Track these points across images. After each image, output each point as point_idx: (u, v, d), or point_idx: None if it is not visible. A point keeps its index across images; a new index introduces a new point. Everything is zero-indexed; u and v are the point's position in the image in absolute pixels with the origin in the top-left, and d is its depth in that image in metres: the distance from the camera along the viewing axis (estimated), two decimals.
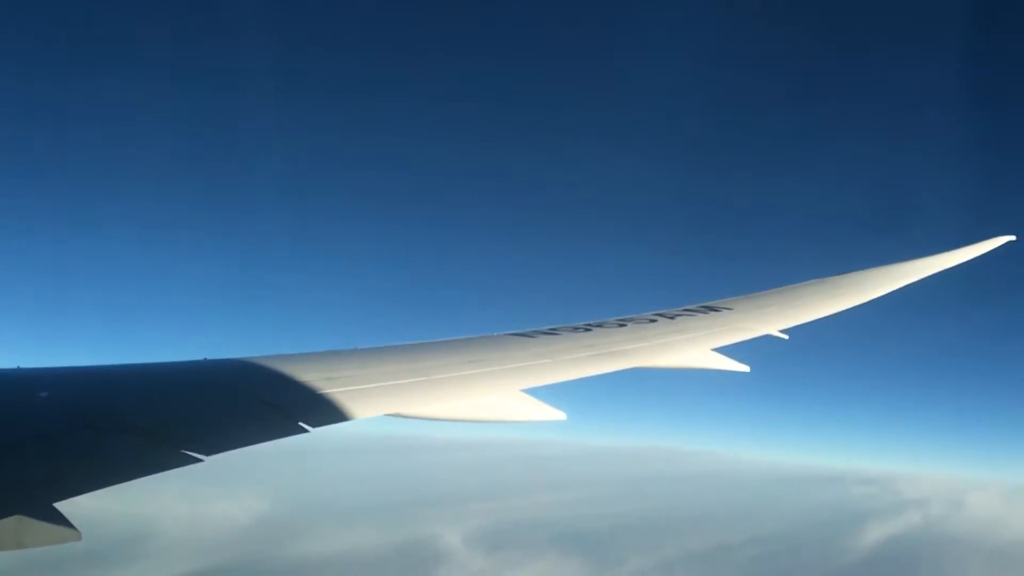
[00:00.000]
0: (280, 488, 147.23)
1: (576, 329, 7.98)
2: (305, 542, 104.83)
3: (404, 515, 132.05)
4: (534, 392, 6.30)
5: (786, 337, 8.45)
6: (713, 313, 8.92)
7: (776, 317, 8.76)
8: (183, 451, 4.10)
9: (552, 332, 7.79)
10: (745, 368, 7.77)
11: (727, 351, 7.85)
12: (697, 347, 7.75)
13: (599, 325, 8.18)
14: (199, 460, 4.11)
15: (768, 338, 8.33)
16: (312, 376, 5.50)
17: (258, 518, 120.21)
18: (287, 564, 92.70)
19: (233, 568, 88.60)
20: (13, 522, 3.46)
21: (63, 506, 3.62)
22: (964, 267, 10.32)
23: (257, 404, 5.08)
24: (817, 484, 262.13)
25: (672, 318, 8.64)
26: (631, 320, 8.49)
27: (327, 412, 5.05)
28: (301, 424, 4.78)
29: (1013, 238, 10.98)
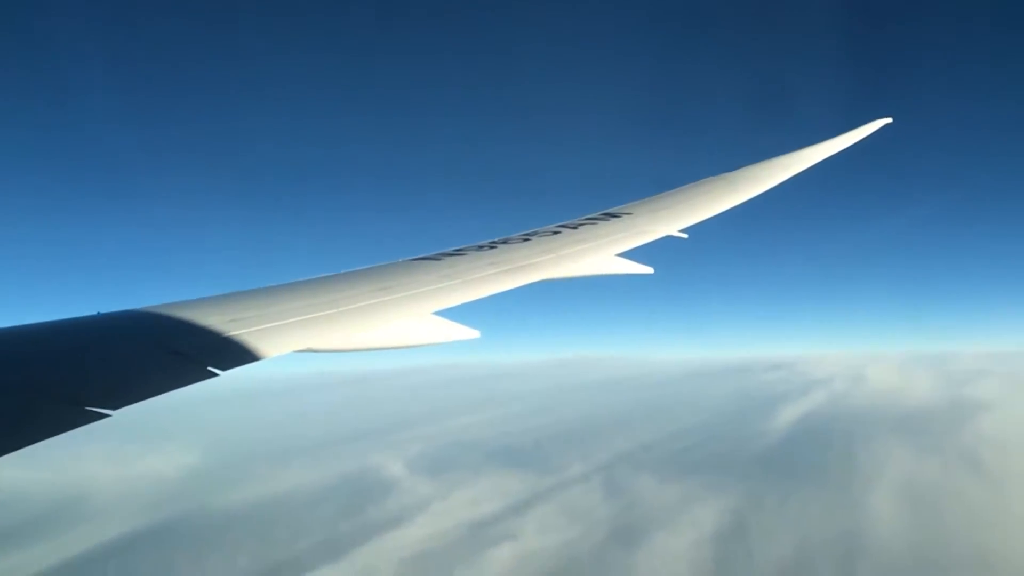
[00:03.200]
0: (206, 438, 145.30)
1: (481, 248, 8.01)
2: (245, 488, 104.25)
3: (339, 450, 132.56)
4: (446, 313, 6.33)
5: (685, 236, 8.65)
6: (614, 219, 9.06)
7: (675, 217, 8.95)
8: (88, 408, 3.97)
9: (458, 253, 7.80)
10: (649, 270, 7.93)
11: (630, 255, 7.98)
12: (601, 254, 7.85)
13: (504, 242, 8.22)
14: (106, 416, 4.00)
15: (669, 239, 8.50)
16: (215, 320, 5.37)
17: (190, 470, 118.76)
18: (232, 511, 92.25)
19: (177, 522, 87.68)
20: None
21: None
22: (847, 152, 10.76)
23: (160, 353, 4.92)
24: (729, 375, 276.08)
25: (575, 228, 8.75)
26: (535, 234, 8.56)
27: (235, 354, 4.92)
28: (209, 369, 4.64)
29: (890, 120, 11.46)
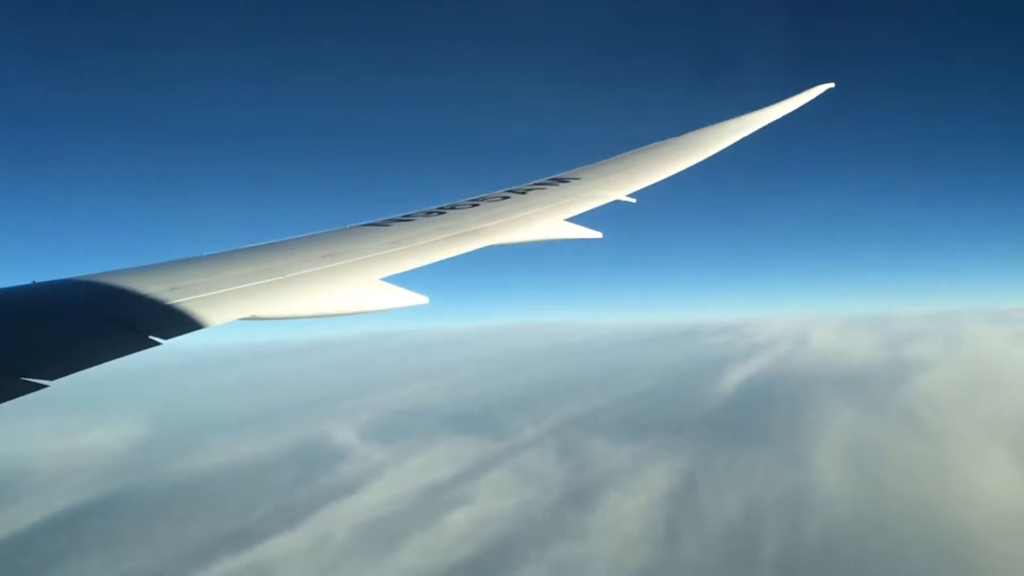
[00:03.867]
0: (152, 409, 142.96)
1: (429, 213, 7.96)
2: (195, 459, 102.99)
3: (289, 419, 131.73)
4: (394, 280, 6.29)
5: (633, 201, 8.70)
6: (563, 184, 9.07)
7: (623, 182, 8.98)
8: (24, 378, 3.87)
9: (406, 219, 7.75)
10: (597, 235, 7.95)
11: (579, 220, 7.99)
12: (550, 219, 7.84)
13: (452, 207, 8.18)
14: (43, 386, 3.90)
15: (617, 203, 8.53)
16: (157, 288, 5.24)
17: (137, 442, 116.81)
18: (182, 482, 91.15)
19: (126, 494, 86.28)
20: None
21: None
22: (792, 117, 10.92)
23: (99, 322, 4.79)
24: (677, 339, 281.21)
25: (523, 193, 8.74)
26: (483, 199, 8.53)
27: (178, 322, 4.81)
28: (151, 338, 4.53)
29: (832, 85, 11.64)
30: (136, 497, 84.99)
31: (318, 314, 5.76)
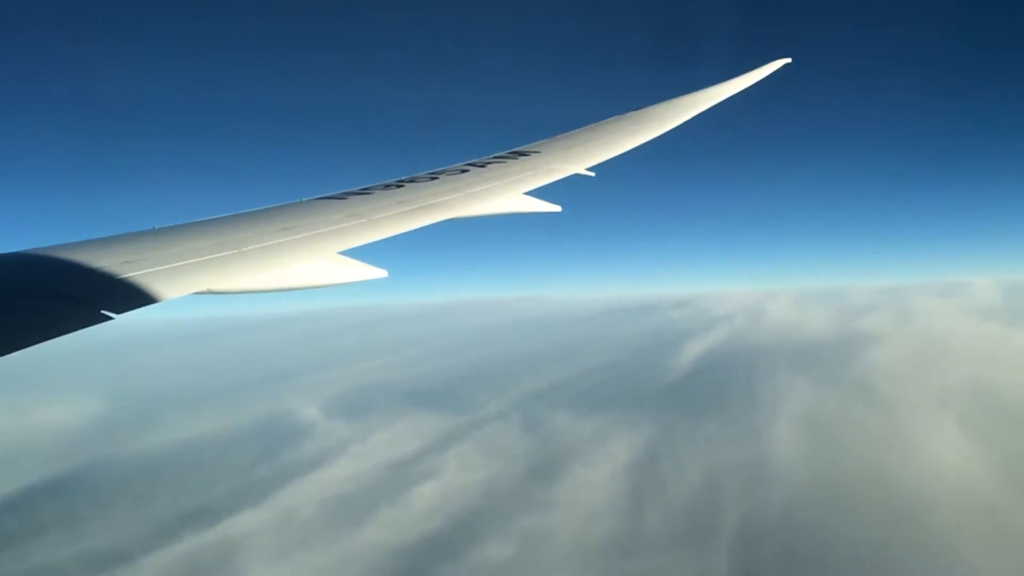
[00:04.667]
0: (109, 386, 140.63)
1: (388, 187, 7.90)
2: (156, 435, 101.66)
3: (250, 395, 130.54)
4: (352, 253, 6.25)
5: (593, 174, 8.71)
6: (522, 158, 9.05)
7: (582, 155, 9.00)
8: None
9: (364, 192, 7.69)
10: (557, 208, 7.93)
11: (538, 193, 7.97)
12: (509, 192, 7.82)
13: (411, 180, 8.14)
14: None
15: (576, 177, 8.55)
16: (108, 262, 5.15)
17: (96, 419, 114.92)
18: (144, 458, 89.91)
19: (86, 471, 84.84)
20: None
21: None
22: (750, 92, 11.01)
23: (49, 296, 4.68)
24: (636, 313, 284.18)
25: (483, 166, 8.72)
26: (443, 172, 8.49)
27: (130, 296, 4.71)
28: (103, 312, 4.44)
29: (789, 60, 11.75)
30: (96, 475, 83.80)
31: (275, 288, 5.68)
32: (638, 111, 10.62)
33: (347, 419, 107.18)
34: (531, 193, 7.95)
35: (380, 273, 6.37)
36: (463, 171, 8.51)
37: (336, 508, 71.86)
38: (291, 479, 79.97)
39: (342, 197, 7.47)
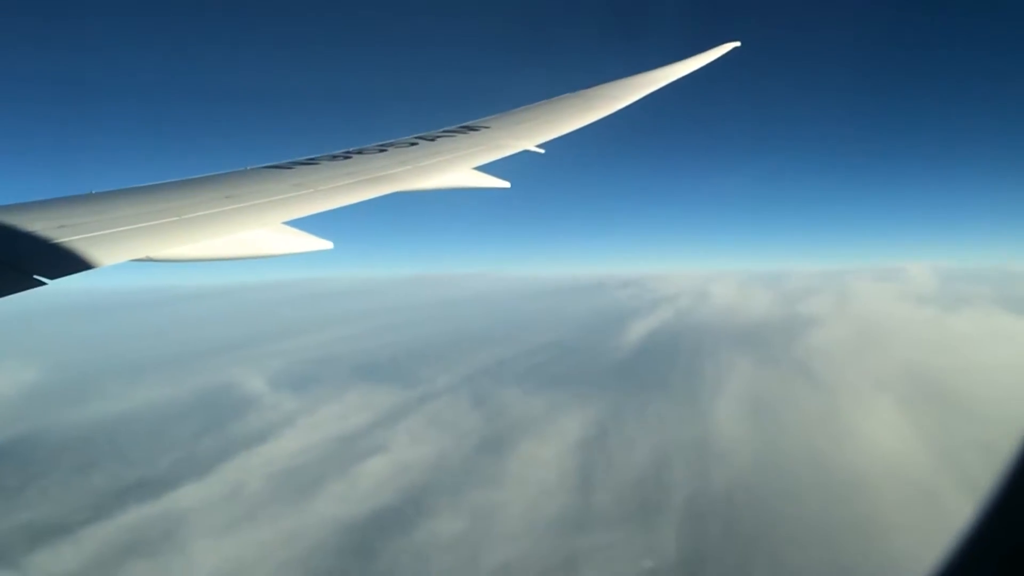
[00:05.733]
0: (44, 355, 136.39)
1: (335, 158, 7.83)
2: (94, 406, 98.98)
3: (192, 366, 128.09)
4: (297, 223, 6.20)
5: (542, 151, 8.75)
6: (472, 132, 9.04)
7: (532, 132, 9.02)
8: None
9: (310, 162, 7.61)
10: (505, 184, 7.94)
11: (487, 169, 7.98)
12: (458, 167, 7.81)
13: (359, 152, 8.07)
14: None
15: (526, 153, 8.57)
16: (42, 225, 5.02)
17: (31, 388, 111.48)
18: (83, 429, 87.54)
19: (22, 441, 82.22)
20: None
21: None
22: (698, 74, 11.14)
23: None
24: (583, 292, 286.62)
25: (432, 140, 8.69)
26: (391, 145, 8.44)
27: (65, 262, 4.62)
28: (36, 277, 4.37)
29: (738, 44, 11.90)
30: (33, 445, 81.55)
31: (217, 257, 5.62)
32: (589, 89, 10.68)
33: (294, 392, 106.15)
34: (480, 168, 7.96)
35: (325, 244, 6.33)
36: (412, 144, 8.47)
37: (284, 482, 71.26)
38: (237, 452, 78.95)
39: (288, 167, 7.39)
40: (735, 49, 11.72)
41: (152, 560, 56.20)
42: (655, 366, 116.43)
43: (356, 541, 58.60)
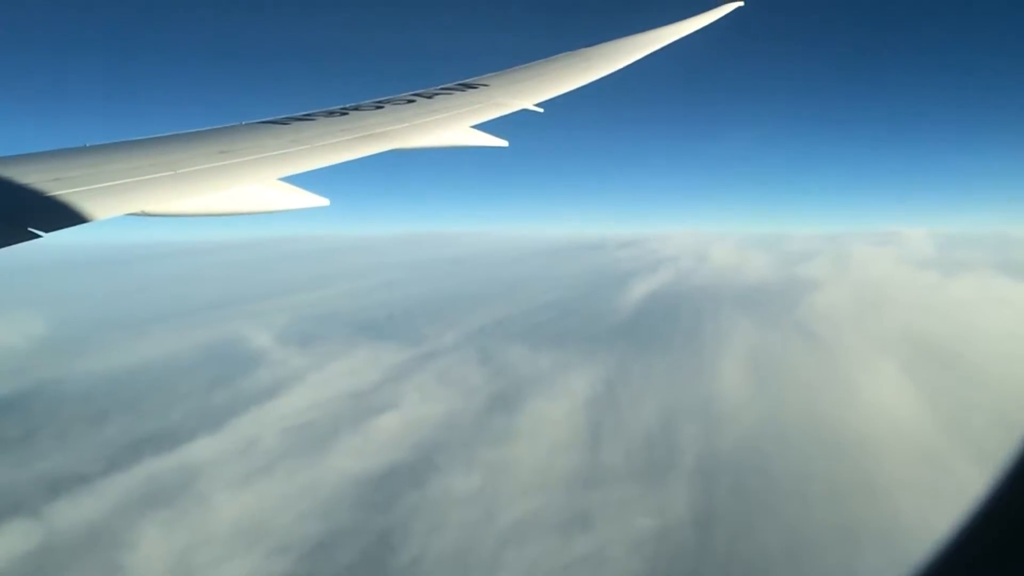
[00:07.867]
0: (49, 307, 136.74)
1: (332, 114, 7.81)
2: (103, 358, 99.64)
3: (196, 320, 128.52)
4: (293, 180, 6.21)
5: (541, 110, 8.69)
6: (471, 91, 8.99)
7: (531, 91, 8.96)
8: None
9: (307, 118, 7.59)
10: (503, 143, 7.94)
11: (485, 127, 7.97)
12: (456, 125, 7.80)
13: (356, 108, 8.04)
14: None
15: (525, 112, 8.53)
16: (36, 178, 5.05)
17: (38, 340, 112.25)
18: (93, 381, 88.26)
19: (33, 392, 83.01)
20: None
21: None
22: (701, 34, 10.99)
23: None
24: (583, 252, 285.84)
25: (430, 98, 8.64)
26: (388, 102, 8.40)
27: (61, 214, 4.66)
28: (31, 230, 4.41)
29: (741, 3, 11.70)
30: (44, 396, 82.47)
31: (213, 212, 5.62)
32: (589, 48, 10.56)
33: (301, 348, 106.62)
34: (478, 127, 7.94)
35: (322, 201, 6.35)
36: (409, 101, 8.43)
37: (298, 436, 71.94)
38: (248, 406, 79.52)
39: (284, 122, 7.37)
40: (738, 9, 11.55)
41: (172, 510, 56.95)
42: (658, 326, 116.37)
43: (372, 495, 59.32)
